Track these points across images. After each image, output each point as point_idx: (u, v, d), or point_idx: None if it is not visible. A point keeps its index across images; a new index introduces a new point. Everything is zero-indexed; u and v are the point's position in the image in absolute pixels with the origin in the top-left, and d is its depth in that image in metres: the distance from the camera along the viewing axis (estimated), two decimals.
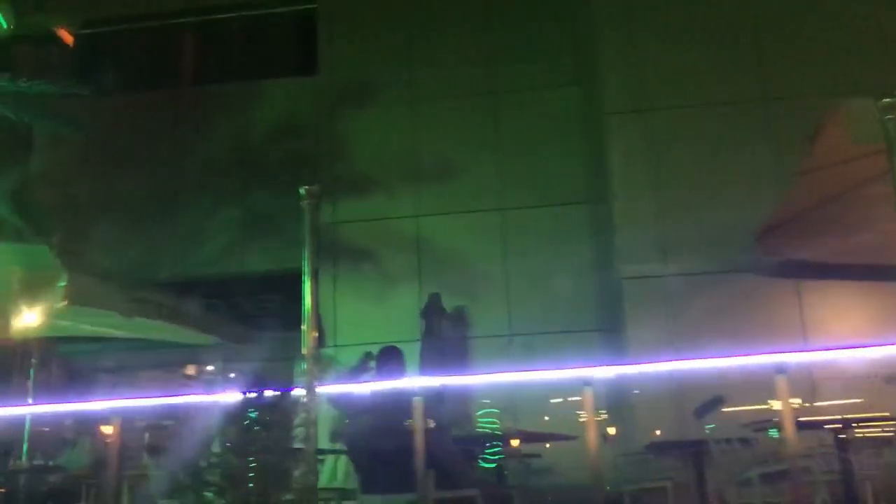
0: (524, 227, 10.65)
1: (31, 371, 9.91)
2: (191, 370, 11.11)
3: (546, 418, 8.94)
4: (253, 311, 11.28)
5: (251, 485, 3.79)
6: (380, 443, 4.82)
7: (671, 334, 8.00)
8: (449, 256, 10.72)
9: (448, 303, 10.39)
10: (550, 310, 10.24)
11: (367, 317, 10.74)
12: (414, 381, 4.80)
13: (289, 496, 3.86)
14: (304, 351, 4.72)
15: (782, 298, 8.06)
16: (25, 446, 8.33)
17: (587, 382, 4.44)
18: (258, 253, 11.35)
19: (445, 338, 9.96)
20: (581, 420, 8.19)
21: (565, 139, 10.81)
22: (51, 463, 8.09)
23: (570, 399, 8.43)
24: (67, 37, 12.78)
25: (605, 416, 8.36)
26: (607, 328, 9.95)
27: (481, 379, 8.52)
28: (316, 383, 4.37)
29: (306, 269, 4.88)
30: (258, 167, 11.55)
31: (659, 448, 6.74)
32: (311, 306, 4.86)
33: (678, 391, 7.59)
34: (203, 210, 11.48)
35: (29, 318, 7.30)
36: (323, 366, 4.48)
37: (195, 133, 11.76)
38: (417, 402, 4.59)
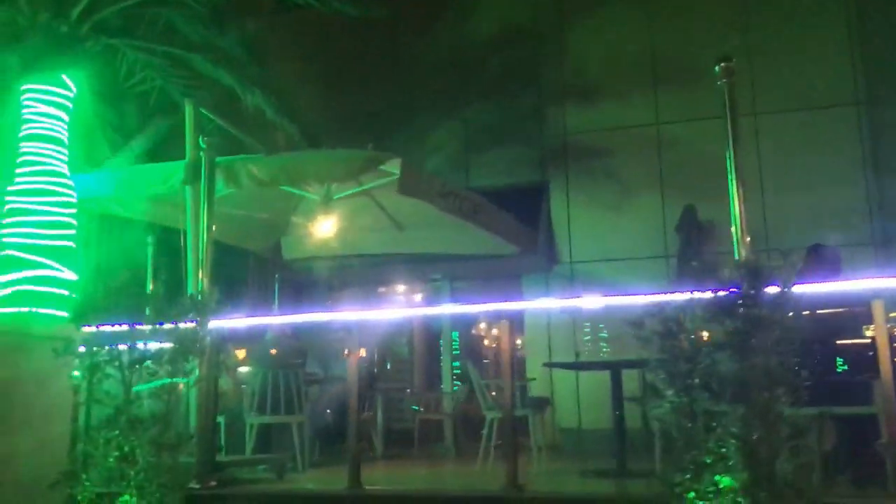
0: (779, 132, 9.74)
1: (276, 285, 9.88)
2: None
3: None
4: None
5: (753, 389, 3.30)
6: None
7: None
8: (694, 166, 9.96)
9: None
10: (814, 221, 9.39)
11: (605, 231, 10.18)
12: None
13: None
14: (736, 255, 4.22)
15: None
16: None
17: None
18: (483, 166, 10.88)
19: (704, 252, 9.34)
20: None
21: (825, 36, 9.76)
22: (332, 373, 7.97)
23: None
24: None
25: None
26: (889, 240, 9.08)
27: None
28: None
29: (730, 164, 4.29)
30: (482, 78, 11.00)
31: None
32: (739, 208, 4.31)
33: None
34: (427, 123, 11.05)
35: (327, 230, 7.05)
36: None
37: (415, 44, 11.26)
38: (878, 305, 3.98)
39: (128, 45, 7.01)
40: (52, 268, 5.87)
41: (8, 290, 5.75)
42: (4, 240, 5.90)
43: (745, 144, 9.71)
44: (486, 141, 10.90)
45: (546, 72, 10.82)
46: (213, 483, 4.67)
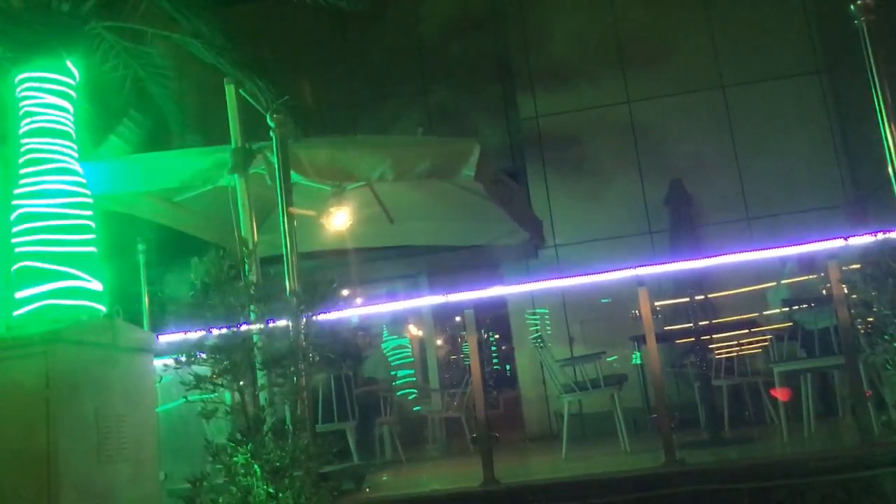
0: (749, 103, 9.97)
1: None
2: None
3: None
4: None
5: None
6: None
7: None
8: (669, 142, 10.06)
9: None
10: (788, 188, 9.67)
11: (586, 212, 10.11)
12: None
13: None
14: None
15: None
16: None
17: None
18: None
19: (694, 224, 9.44)
20: None
21: (786, 6, 10.06)
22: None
23: None
24: None
25: None
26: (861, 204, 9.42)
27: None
28: None
29: (880, 105, 4.15)
30: (445, 64, 10.72)
31: None
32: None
33: None
34: (390, 112, 10.63)
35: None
36: None
37: (375, 31, 10.81)
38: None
39: (112, 27, 6.28)
40: (77, 278, 5.14)
41: (31, 307, 4.98)
42: (18, 249, 5.12)
43: (718, 117, 9.97)
44: (452, 128, 10.61)
45: (512, 55, 10.66)
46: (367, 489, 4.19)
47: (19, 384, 3.59)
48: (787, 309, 5.66)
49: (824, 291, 5.14)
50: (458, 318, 13.43)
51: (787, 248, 4.52)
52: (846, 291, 4.10)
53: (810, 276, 6.16)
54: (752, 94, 9.94)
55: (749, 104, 9.94)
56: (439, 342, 12.62)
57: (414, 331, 11.14)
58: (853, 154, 9.59)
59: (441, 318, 12.14)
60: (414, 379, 10.41)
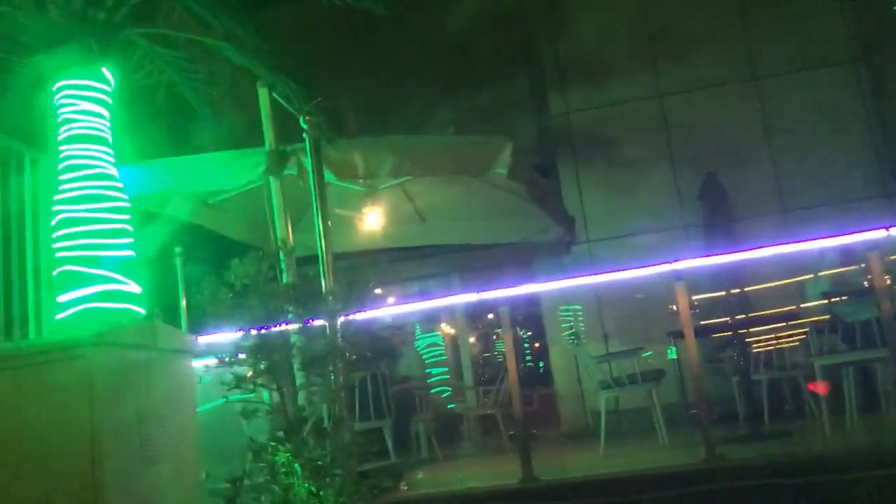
0: (783, 94, 9.84)
1: None
2: None
3: None
4: None
5: None
6: None
7: None
8: (701, 135, 9.96)
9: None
10: (826, 180, 9.52)
11: (619, 206, 10.05)
12: None
13: None
14: None
15: None
16: None
17: None
18: None
19: (732, 217, 9.34)
20: None
21: None
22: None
23: None
24: None
25: None
26: None
27: None
28: None
29: None
30: (476, 62, 10.69)
31: None
32: None
33: None
34: (419, 110, 10.64)
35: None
36: None
37: (404, 29, 10.82)
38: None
39: (145, 34, 6.34)
40: (116, 281, 5.21)
41: (71, 311, 5.06)
42: (59, 254, 5.20)
43: (752, 108, 9.85)
44: (482, 126, 10.59)
45: (542, 51, 10.62)
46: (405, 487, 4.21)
47: (63, 387, 3.64)
48: (826, 301, 5.58)
49: (866, 283, 5.07)
50: (490, 316, 13.44)
51: (828, 239, 4.46)
52: (889, 282, 4.03)
53: (850, 268, 6.07)
54: (786, 84, 9.82)
55: (784, 95, 9.81)
56: (472, 340, 12.63)
57: (447, 329, 11.15)
58: (892, 143, 9.42)
59: (474, 316, 12.14)
60: (448, 377, 10.43)
